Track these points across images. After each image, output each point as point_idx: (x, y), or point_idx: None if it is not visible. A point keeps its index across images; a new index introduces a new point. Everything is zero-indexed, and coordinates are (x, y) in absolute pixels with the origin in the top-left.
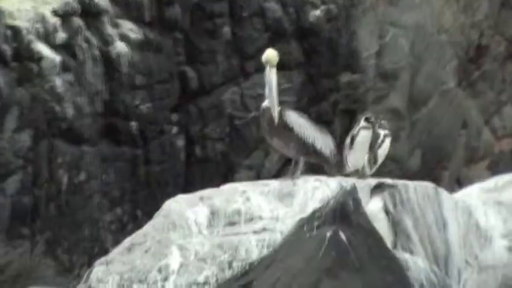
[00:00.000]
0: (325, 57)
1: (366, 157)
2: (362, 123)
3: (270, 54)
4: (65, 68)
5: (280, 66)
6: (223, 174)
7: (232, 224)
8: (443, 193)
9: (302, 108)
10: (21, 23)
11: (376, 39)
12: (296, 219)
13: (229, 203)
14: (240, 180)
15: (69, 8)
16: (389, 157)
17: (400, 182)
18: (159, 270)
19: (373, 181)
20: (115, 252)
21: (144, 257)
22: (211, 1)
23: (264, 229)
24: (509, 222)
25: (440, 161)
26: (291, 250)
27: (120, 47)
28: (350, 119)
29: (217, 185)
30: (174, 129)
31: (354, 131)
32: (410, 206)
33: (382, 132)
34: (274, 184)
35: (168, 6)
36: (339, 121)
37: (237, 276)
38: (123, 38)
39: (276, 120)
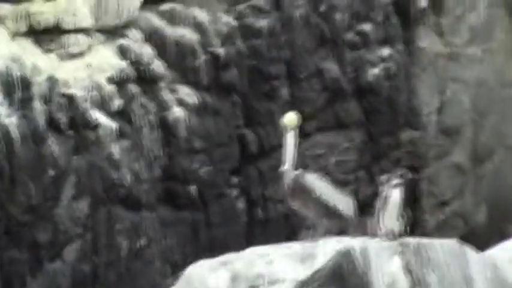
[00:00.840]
0: (385, 115)
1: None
2: (395, 180)
3: (288, 118)
4: (121, 134)
5: (340, 126)
6: (286, 235)
7: (253, 287)
8: (469, 250)
9: (364, 166)
10: (77, 90)
11: (436, 96)
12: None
13: (250, 266)
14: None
15: (125, 75)
16: (454, 213)
17: (424, 240)
18: None
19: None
20: None
21: None
22: (268, 63)
23: None
24: None
25: (507, 215)
26: None
27: (177, 112)
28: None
29: None
30: (235, 192)
31: (385, 190)
32: (435, 263)
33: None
34: (296, 246)
35: (225, 70)
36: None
37: None
38: (180, 102)
39: (287, 184)
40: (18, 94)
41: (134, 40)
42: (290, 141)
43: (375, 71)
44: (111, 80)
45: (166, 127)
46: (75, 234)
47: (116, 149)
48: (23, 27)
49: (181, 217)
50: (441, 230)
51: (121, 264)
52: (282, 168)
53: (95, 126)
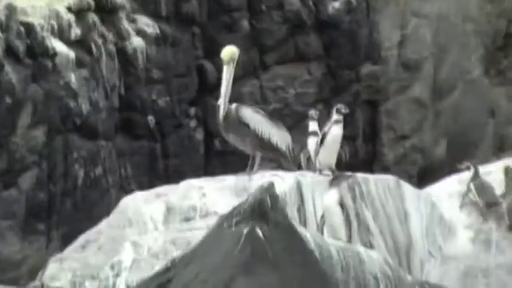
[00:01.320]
0: (345, 49)
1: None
2: (334, 116)
3: (225, 51)
4: (79, 63)
5: (300, 58)
6: (245, 166)
7: (188, 219)
8: (405, 186)
9: (323, 99)
10: (35, 19)
11: (398, 30)
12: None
13: (185, 199)
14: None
15: (84, 4)
16: (413, 147)
17: (359, 175)
18: (112, 267)
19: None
20: (69, 250)
21: (97, 253)
22: None
23: None
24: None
25: (466, 150)
26: (210, 247)
27: (136, 41)
28: (372, 109)
29: None
30: (193, 123)
31: (326, 127)
32: (370, 198)
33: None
34: (230, 180)
35: (185, 1)
36: (361, 112)
37: (158, 274)
38: (139, 33)
39: (221, 117)
40: None
41: None
42: (226, 75)
43: (336, 4)
44: (69, 9)
45: (124, 57)
46: (31, 162)
47: (73, 78)
48: None
49: (138, 147)
50: (400, 164)
51: (77, 193)
52: (218, 102)
53: (53, 55)
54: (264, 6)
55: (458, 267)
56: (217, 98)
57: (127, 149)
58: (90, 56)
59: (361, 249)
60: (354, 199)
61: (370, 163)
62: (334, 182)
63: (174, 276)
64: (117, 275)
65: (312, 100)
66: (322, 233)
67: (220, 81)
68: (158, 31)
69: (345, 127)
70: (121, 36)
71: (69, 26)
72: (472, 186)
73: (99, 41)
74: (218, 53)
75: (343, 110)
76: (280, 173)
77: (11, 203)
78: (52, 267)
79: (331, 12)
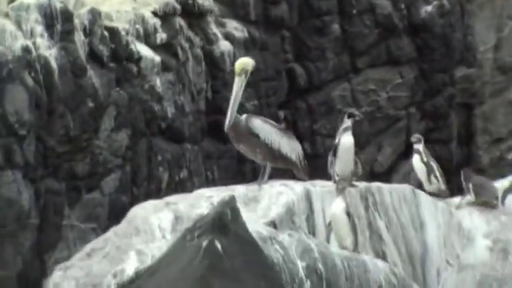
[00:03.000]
0: (438, 52)
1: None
2: (344, 123)
3: (238, 63)
4: (165, 67)
5: (392, 62)
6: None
7: None
8: (422, 195)
9: (417, 103)
10: (120, 23)
11: (493, 33)
12: (260, 223)
13: (193, 208)
14: None
15: (170, 9)
16: (510, 149)
17: (374, 184)
18: (114, 275)
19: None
20: (75, 258)
21: (101, 262)
22: None
23: None
24: (492, 222)
25: None
26: (173, 258)
27: (223, 45)
28: (467, 112)
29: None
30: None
31: (337, 136)
32: (383, 207)
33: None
34: (240, 189)
35: (274, 5)
36: (455, 115)
37: (123, 285)
38: (227, 36)
39: (226, 127)
40: (58, 26)
41: None
42: (236, 86)
43: (428, 8)
44: (155, 14)
45: (212, 61)
46: (114, 165)
47: (158, 82)
48: None
49: (226, 150)
50: (496, 167)
51: (161, 196)
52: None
53: (138, 59)
54: (355, 10)
55: (474, 276)
56: (307, 101)
57: (214, 152)
58: (176, 60)
59: (367, 258)
60: (366, 208)
61: (466, 166)
62: (339, 190)
63: (139, 286)
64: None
65: (405, 103)
66: (329, 241)
67: (311, 85)
68: (247, 35)
69: (439, 130)
70: (208, 40)
71: (155, 30)
72: (470, 186)
73: (186, 45)
74: (309, 56)
75: (356, 115)
76: (290, 182)
77: (94, 206)
78: (56, 275)
79: (423, 16)
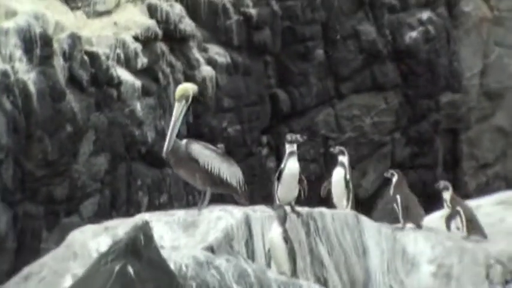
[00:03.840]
0: (423, 78)
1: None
2: (287, 148)
3: (178, 89)
4: (146, 92)
5: (376, 87)
6: (319, 194)
7: None
8: (365, 221)
9: (402, 128)
10: (100, 48)
11: (480, 59)
12: (198, 248)
13: None
14: None
15: (152, 33)
16: (496, 175)
17: (316, 210)
18: None
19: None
20: (12, 281)
21: (38, 286)
22: (303, 24)
23: None
24: (437, 248)
25: None
26: (87, 283)
27: (205, 70)
28: (453, 138)
29: (313, 206)
30: (265, 151)
31: (283, 162)
32: (325, 233)
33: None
34: (180, 214)
35: (258, 30)
36: (441, 140)
37: None
38: (210, 61)
39: (164, 152)
40: (37, 51)
41: None
42: (175, 111)
43: (413, 34)
44: (136, 38)
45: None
46: (93, 189)
47: (139, 106)
48: None
49: None
50: (482, 192)
51: None
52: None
53: (118, 84)
54: (339, 36)
55: None
56: (290, 126)
57: None
58: (157, 84)
59: (304, 283)
60: (308, 233)
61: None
62: (277, 216)
63: None
64: None
65: (389, 129)
66: (270, 266)
67: (294, 110)
68: (230, 60)
69: (424, 156)
70: (190, 65)
71: (136, 55)
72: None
73: (167, 70)
74: (292, 81)
75: (295, 140)
76: (230, 207)
77: (72, 230)
78: None
79: (408, 42)
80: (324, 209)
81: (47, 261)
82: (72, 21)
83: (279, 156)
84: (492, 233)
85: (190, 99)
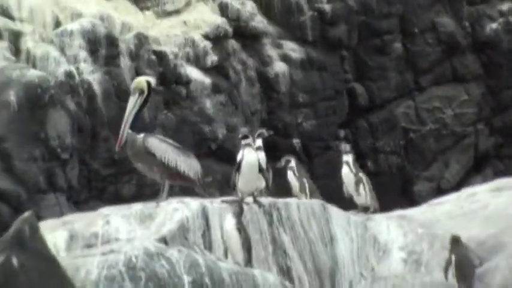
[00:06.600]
0: (505, 69)
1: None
2: (244, 141)
3: (134, 82)
4: (216, 89)
5: (457, 79)
6: (401, 186)
7: (89, 246)
8: (333, 209)
9: (485, 119)
10: (168, 47)
11: None
12: (151, 240)
13: (89, 226)
14: (420, 192)
15: (221, 31)
16: None
17: (280, 200)
18: None
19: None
20: None
21: None
22: (379, 18)
23: (112, 251)
24: (409, 235)
25: None
26: None
27: (278, 67)
28: None
29: (393, 197)
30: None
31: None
32: (290, 223)
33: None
34: (137, 207)
35: (332, 26)
36: None
37: None
38: (284, 57)
39: (118, 145)
40: (102, 51)
41: None
42: (129, 104)
43: (493, 25)
44: (206, 37)
45: (266, 82)
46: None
47: (208, 104)
48: None
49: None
50: None
51: None
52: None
53: (187, 82)
54: (417, 29)
55: (386, 287)
56: (368, 120)
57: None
58: (228, 81)
59: (257, 272)
60: (270, 223)
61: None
62: (231, 207)
63: None
64: None
65: (472, 120)
66: (227, 257)
67: (373, 104)
68: (304, 55)
69: (509, 146)
70: (263, 61)
71: (205, 53)
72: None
73: (239, 67)
74: (370, 76)
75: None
76: (187, 199)
77: None
78: None
79: (488, 33)
80: (289, 199)
81: None
82: (140, 21)
83: (357, 149)
84: (472, 218)
85: (146, 92)
